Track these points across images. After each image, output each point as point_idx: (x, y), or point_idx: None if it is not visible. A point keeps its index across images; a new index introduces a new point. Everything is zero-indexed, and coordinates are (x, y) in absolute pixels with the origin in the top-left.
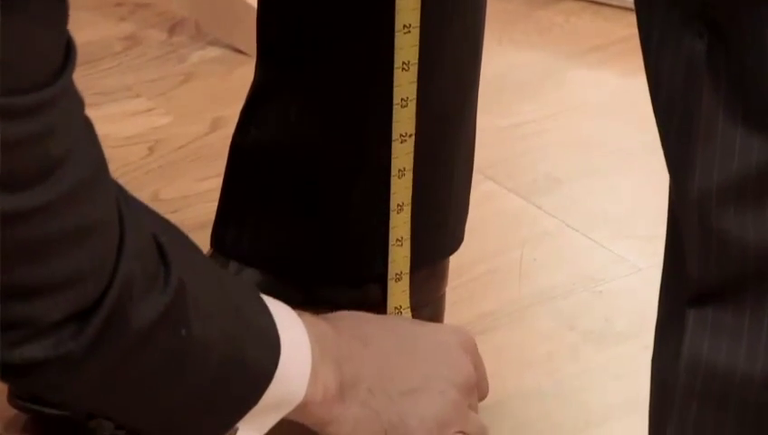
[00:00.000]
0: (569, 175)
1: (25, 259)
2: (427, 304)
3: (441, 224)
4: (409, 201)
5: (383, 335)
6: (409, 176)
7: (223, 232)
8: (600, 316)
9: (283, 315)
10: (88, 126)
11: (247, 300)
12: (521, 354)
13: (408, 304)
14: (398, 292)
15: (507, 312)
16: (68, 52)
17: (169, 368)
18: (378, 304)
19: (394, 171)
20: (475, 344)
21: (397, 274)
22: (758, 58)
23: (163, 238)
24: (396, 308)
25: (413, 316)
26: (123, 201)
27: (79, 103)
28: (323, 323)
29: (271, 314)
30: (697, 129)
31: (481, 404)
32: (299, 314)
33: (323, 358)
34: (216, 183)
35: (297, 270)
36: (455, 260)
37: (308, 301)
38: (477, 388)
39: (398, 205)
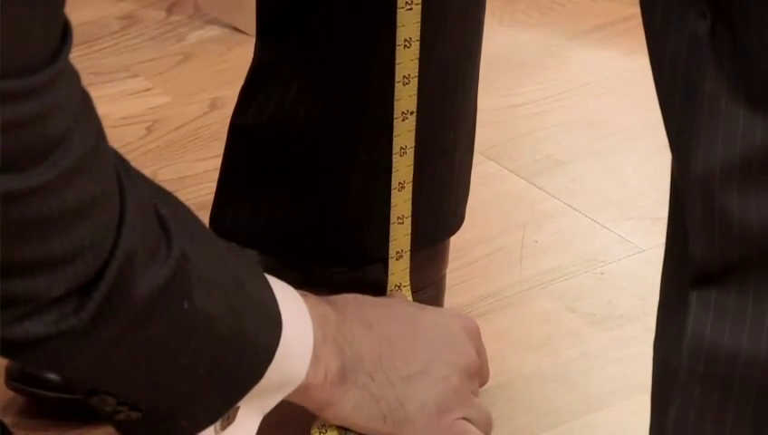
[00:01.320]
0: (571, 156)
1: (25, 237)
2: (428, 286)
3: (442, 203)
4: (410, 179)
5: (385, 319)
6: (411, 154)
7: (222, 213)
8: (602, 298)
9: (286, 294)
10: (85, 100)
11: (249, 276)
12: (522, 337)
13: (409, 282)
14: (399, 270)
15: (508, 294)
16: (64, 33)
17: (172, 341)
18: (379, 285)
19: (396, 149)
20: (478, 329)
21: (398, 252)
22: (761, 38)
23: (164, 210)
24: (396, 286)
25: (413, 298)
26: (123, 173)
27: (75, 79)
28: (326, 304)
29: (273, 291)
30: (700, 109)
31: (482, 388)
32: (302, 295)
33: (325, 340)
34: (214, 164)
35: (297, 251)
36: (455, 242)
37: (308, 282)
38: (479, 373)
39: (399, 183)
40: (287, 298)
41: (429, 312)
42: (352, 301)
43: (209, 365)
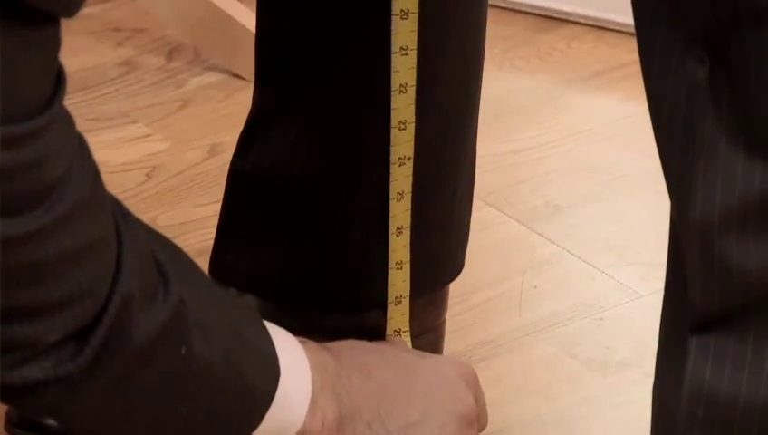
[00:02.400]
0: (570, 201)
1: (22, 282)
2: (427, 332)
3: (441, 249)
4: (408, 224)
5: (384, 367)
6: (408, 199)
7: (221, 258)
8: (601, 344)
9: (284, 340)
10: (81, 144)
11: (247, 322)
12: (521, 383)
13: (408, 328)
14: (398, 315)
15: (507, 340)
16: (59, 78)
17: (170, 388)
18: (377, 331)
19: (393, 194)
20: (476, 376)
21: (396, 297)
22: (760, 84)
23: (162, 256)
24: (395, 331)
25: (412, 344)
26: (121, 218)
27: (71, 124)
28: (324, 351)
29: (271, 337)
30: (699, 155)
31: (480, 434)
32: (300, 341)
33: (323, 387)
34: (214, 209)
35: (295, 296)
36: (454, 287)
37: (306, 328)
38: (477, 419)
39: (397, 228)
40: (285, 344)
41: (426, 359)
42: (350, 348)
43: (207, 412)
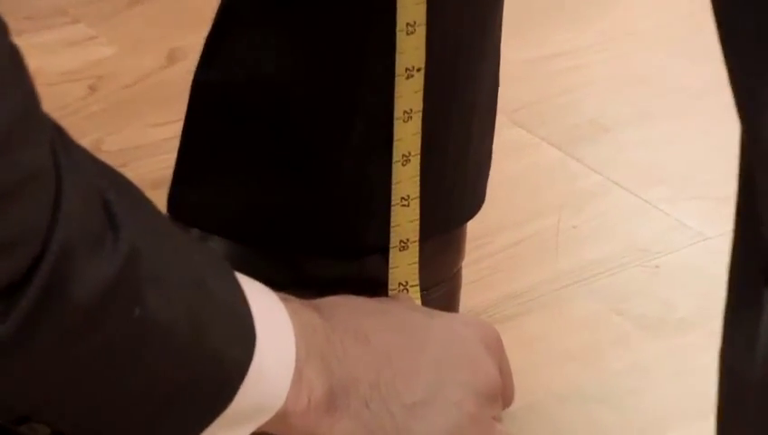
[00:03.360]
0: (617, 120)
1: None
2: (439, 284)
3: (457, 180)
4: (418, 151)
5: (385, 329)
6: (418, 119)
7: (183, 192)
8: (657, 298)
9: (260, 297)
10: (13, 56)
11: (216, 274)
12: (557, 346)
13: (417, 280)
14: (404, 264)
15: (540, 293)
16: None
17: (120, 356)
18: (378, 283)
19: (398, 113)
20: (499, 339)
21: (402, 241)
22: None
23: (111, 194)
24: (400, 284)
25: (421, 301)
26: (61, 148)
27: (3, 33)
28: (311, 311)
29: (244, 293)
30: None
31: (506, 410)
32: (281, 298)
33: (310, 356)
34: (174, 130)
35: (275, 239)
36: (473, 228)
37: (290, 279)
38: (502, 393)
39: (403, 155)
40: (262, 302)
41: (439, 319)
42: (344, 305)
43: (166, 386)
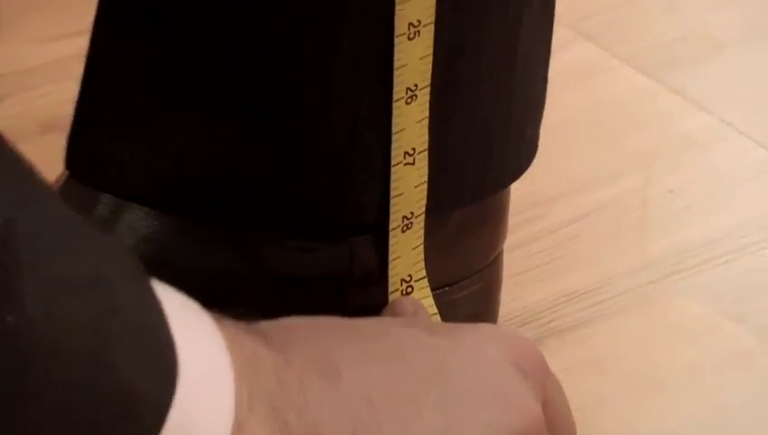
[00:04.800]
0: (730, 36)
1: None
2: (467, 279)
3: (493, 120)
4: (428, 80)
5: (365, 358)
6: (429, 30)
7: (89, 138)
8: None
9: (186, 319)
10: None
11: (122, 272)
12: (643, 370)
13: (424, 273)
14: (407, 249)
15: (618, 292)
16: None
17: None
18: (372, 276)
19: (401, 30)
20: (542, 359)
21: (406, 217)
22: None
23: None
24: (403, 281)
25: (436, 302)
26: None
27: None
28: (257, 339)
29: (162, 307)
30: None
31: None
32: (215, 322)
33: (255, 404)
34: (75, 48)
35: (228, 211)
36: (519, 195)
37: (247, 268)
38: (552, 431)
39: (408, 88)
40: (188, 324)
41: (452, 336)
42: (304, 327)
43: (51, 428)
